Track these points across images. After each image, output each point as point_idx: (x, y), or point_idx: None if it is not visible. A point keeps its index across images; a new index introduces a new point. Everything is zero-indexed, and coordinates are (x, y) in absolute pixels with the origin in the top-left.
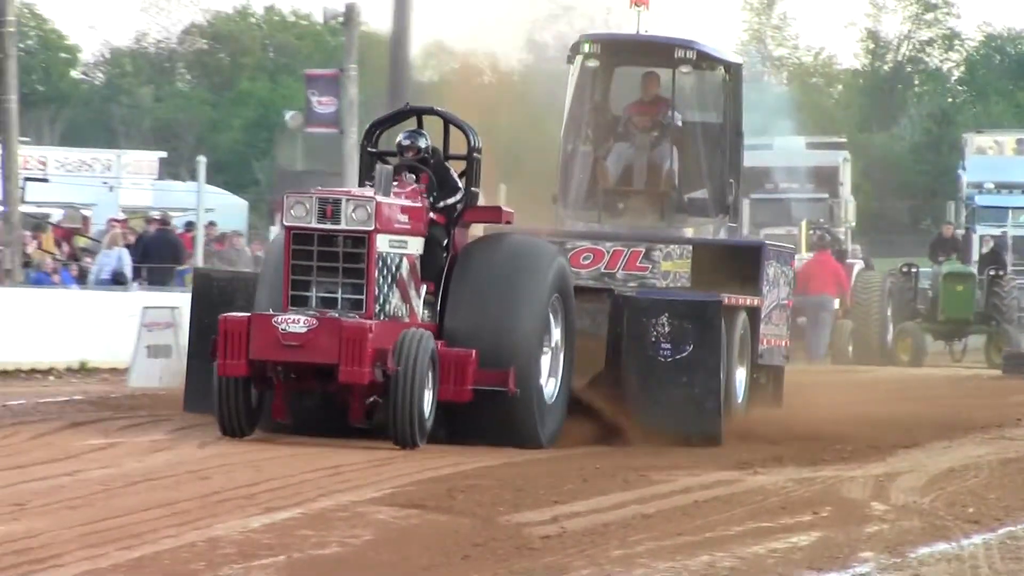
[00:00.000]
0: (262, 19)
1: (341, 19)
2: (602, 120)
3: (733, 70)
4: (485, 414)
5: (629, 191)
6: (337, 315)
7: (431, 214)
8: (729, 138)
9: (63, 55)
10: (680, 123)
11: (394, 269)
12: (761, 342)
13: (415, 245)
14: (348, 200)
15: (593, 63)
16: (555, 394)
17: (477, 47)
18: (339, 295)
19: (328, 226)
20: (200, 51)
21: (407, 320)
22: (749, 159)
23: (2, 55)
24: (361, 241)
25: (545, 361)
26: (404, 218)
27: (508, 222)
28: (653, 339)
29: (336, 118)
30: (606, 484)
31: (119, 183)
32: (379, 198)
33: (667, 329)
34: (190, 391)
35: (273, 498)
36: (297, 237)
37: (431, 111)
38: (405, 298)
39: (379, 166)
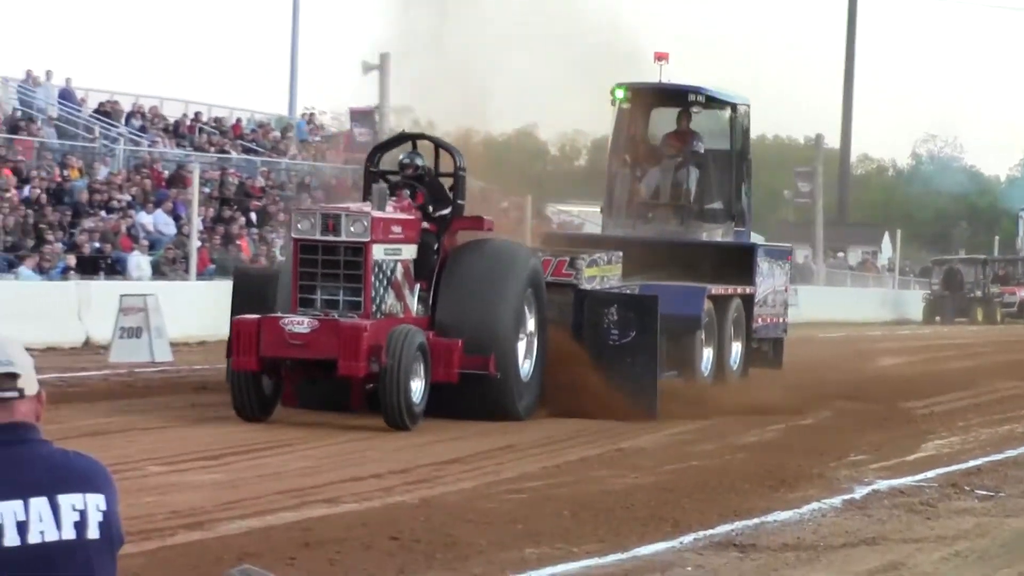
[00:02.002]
0: None
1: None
2: (639, 149)
3: (739, 108)
4: (470, 394)
5: (657, 204)
6: (337, 316)
7: (424, 223)
8: (735, 162)
9: None
10: (703, 150)
11: (389, 273)
12: (756, 320)
13: (409, 251)
14: (347, 215)
15: (626, 105)
16: (530, 374)
17: None
18: (340, 298)
19: (330, 238)
20: None
21: (401, 316)
22: None
23: None
24: (359, 251)
25: (522, 347)
26: (398, 229)
27: (490, 229)
28: (605, 326)
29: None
30: None
31: None
32: (375, 213)
33: (615, 318)
34: None
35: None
36: (303, 247)
37: (423, 136)
38: (400, 297)
39: (374, 186)
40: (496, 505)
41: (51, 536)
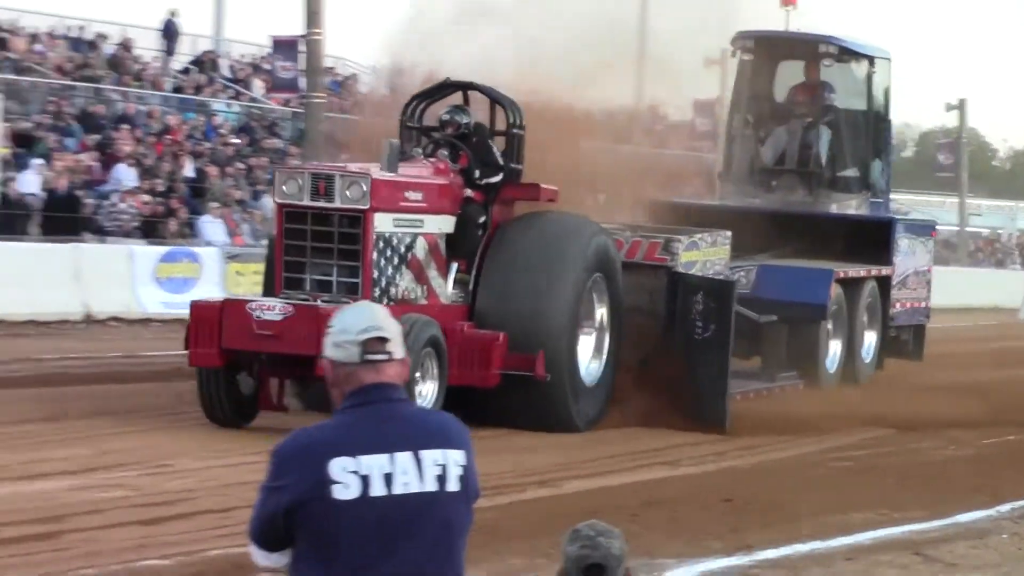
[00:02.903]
0: None
1: None
2: (763, 107)
3: (877, 62)
4: (516, 398)
5: (782, 170)
6: (326, 300)
7: (468, 191)
8: (872, 124)
9: None
10: (835, 103)
11: (403, 250)
12: (894, 306)
13: (436, 223)
14: (342, 176)
15: (748, 56)
16: (599, 375)
17: None
18: (334, 278)
19: (321, 203)
20: None
21: (423, 302)
22: None
23: None
24: (356, 220)
25: (588, 342)
26: (417, 195)
27: (551, 200)
28: (692, 316)
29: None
30: None
31: None
32: (376, 174)
33: (701, 307)
34: None
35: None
36: (289, 215)
37: (471, 86)
38: (420, 279)
39: (385, 140)
40: (823, 472)
41: (415, 488)
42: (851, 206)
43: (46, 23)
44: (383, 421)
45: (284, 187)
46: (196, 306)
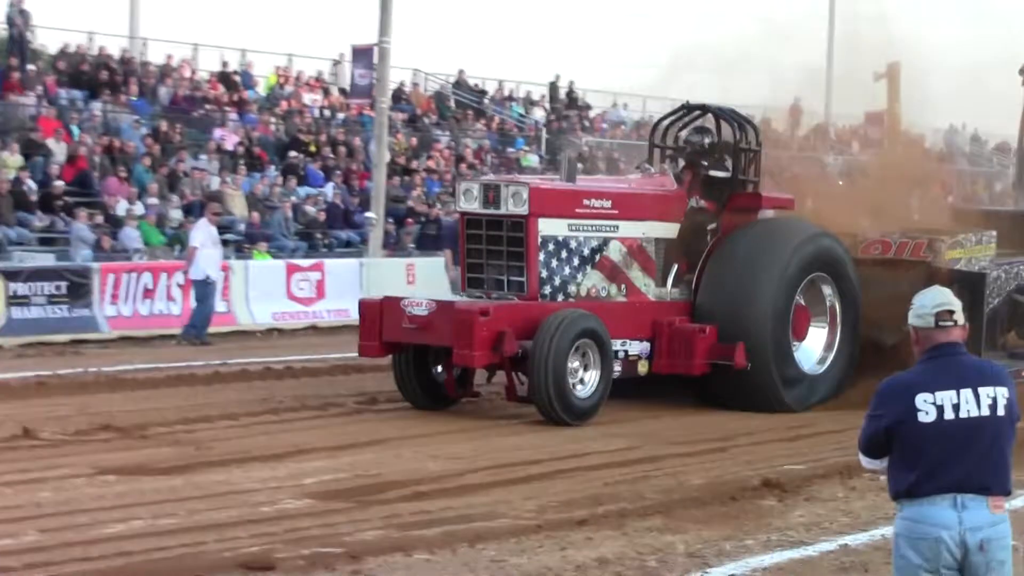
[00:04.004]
0: None
1: None
2: None
3: None
4: (726, 385)
5: None
6: (497, 296)
7: (697, 202)
8: None
9: None
10: None
11: (586, 252)
12: None
13: (639, 228)
14: (506, 186)
15: None
16: (827, 364)
17: None
18: (505, 277)
19: (491, 211)
20: None
21: (621, 299)
22: None
23: None
24: (520, 225)
25: (819, 334)
26: (603, 203)
27: (780, 207)
28: None
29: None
30: None
31: None
32: (535, 183)
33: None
34: None
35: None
36: (468, 222)
37: (706, 108)
38: (616, 279)
39: (562, 153)
40: None
41: (974, 413)
42: None
43: None
44: (951, 368)
45: (463, 196)
46: (362, 304)
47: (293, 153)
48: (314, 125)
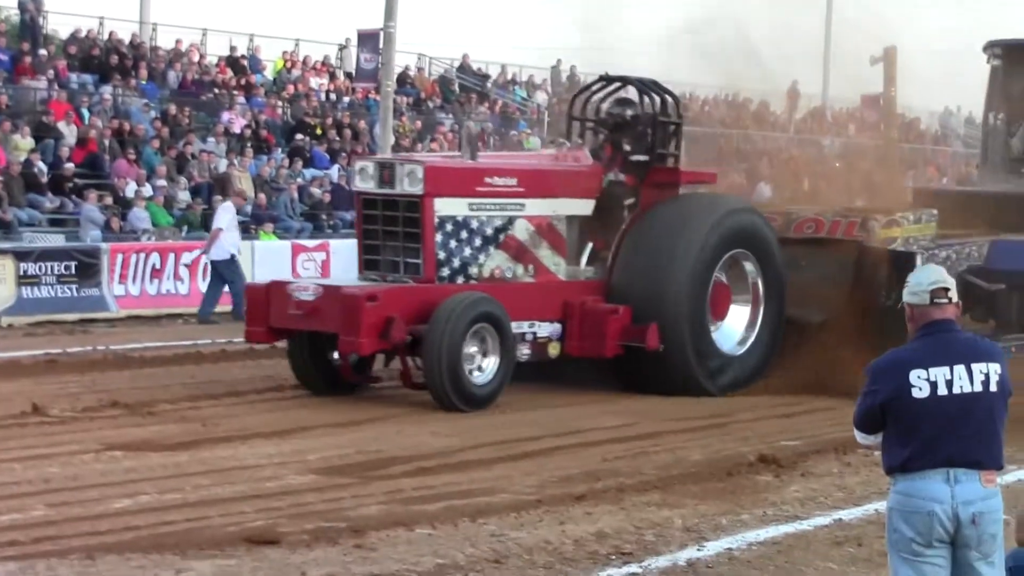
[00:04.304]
0: None
1: None
2: (1013, 106)
3: None
4: (640, 368)
5: None
6: (393, 279)
7: (616, 176)
8: None
9: None
10: None
11: (489, 232)
12: None
13: (549, 206)
14: (400, 165)
15: (996, 63)
16: (748, 344)
17: None
18: (401, 259)
19: (386, 191)
20: None
21: (528, 280)
22: None
23: None
24: (416, 205)
25: (741, 312)
26: (508, 180)
27: (701, 182)
28: (876, 285)
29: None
30: None
31: None
32: (431, 162)
33: (884, 277)
34: None
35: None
36: (364, 202)
37: (625, 79)
38: (522, 259)
39: (462, 128)
40: None
41: (967, 389)
42: None
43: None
44: (945, 344)
45: (358, 177)
46: (248, 288)
47: (299, 136)
48: (320, 108)
